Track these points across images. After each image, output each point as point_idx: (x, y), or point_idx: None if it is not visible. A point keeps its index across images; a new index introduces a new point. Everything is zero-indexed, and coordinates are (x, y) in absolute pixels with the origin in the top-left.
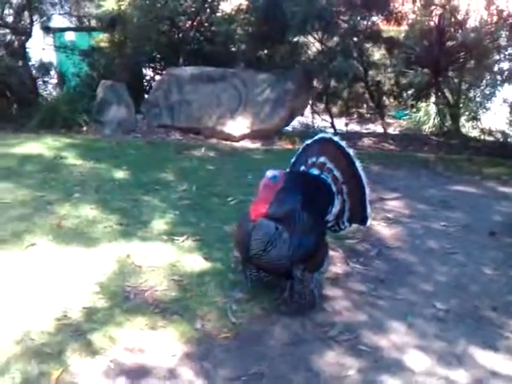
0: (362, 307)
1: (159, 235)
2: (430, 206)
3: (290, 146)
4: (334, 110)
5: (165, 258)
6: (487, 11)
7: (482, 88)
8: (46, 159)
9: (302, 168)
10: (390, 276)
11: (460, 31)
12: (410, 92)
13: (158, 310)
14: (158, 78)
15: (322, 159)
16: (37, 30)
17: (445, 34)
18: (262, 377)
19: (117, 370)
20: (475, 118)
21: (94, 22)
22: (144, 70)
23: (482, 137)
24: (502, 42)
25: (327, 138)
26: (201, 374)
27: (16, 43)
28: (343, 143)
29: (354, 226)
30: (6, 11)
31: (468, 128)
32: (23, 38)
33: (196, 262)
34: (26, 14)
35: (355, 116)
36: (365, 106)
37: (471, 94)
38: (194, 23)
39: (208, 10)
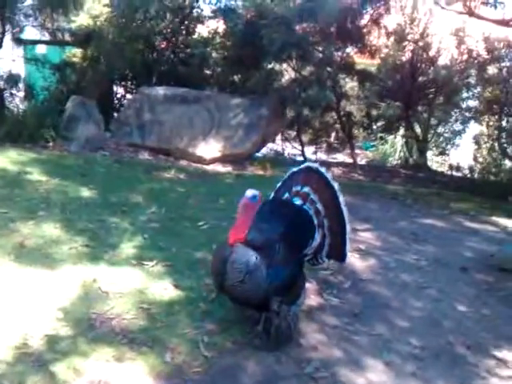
0: (338, 342)
1: (127, 259)
2: (402, 239)
3: (261, 172)
4: (304, 138)
5: (133, 283)
6: (458, 50)
7: (451, 124)
8: (9, 174)
9: (286, 195)
10: (365, 310)
11: (432, 68)
12: (379, 124)
13: (125, 341)
14: (129, 96)
15: (305, 189)
16: (7, 40)
17: (417, 70)
18: None
19: None
20: (444, 153)
21: (67, 37)
22: (115, 88)
23: (450, 172)
24: (472, 80)
25: (313, 168)
26: None
27: None
28: (329, 175)
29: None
30: None
31: (436, 163)
32: None
33: (166, 290)
34: None
35: (323, 145)
36: (334, 135)
37: (440, 130)
38: (170, 44)
39: (184, 32)
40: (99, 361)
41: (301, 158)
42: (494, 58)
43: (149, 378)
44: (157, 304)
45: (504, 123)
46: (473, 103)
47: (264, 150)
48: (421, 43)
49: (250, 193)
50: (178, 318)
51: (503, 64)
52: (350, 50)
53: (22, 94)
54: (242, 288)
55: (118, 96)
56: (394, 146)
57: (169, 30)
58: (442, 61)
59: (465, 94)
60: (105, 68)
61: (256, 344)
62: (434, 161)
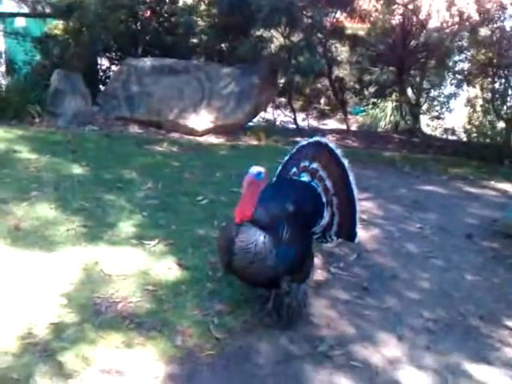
0: (349, 318)
1: (128, 239)
2: (403, 207)
3: (255, 142)
4: (295, 105)
5: (136, 264)
6: (448, 12)
7: (444, 87)
8: None
9: (294, 170)
10: (373, 283)
11: (424, 31)
12: (371, 89)
13: (133, 325)
14: (114, 68)
15: (314, 165)
16: None
17: (408, 33)
18: None
19: None
20: (439, 118)
21: (47, 9)
22: (99, 60)
23: (445, 136)
24: (464, 42)
25: (323, 143)
26: None
27: None
28: (339, 151)
29: None
30: None
31: (427, 126)
32: None
33: (170, 270)
34: None
35: (314, 111)
36: (325, 101)
37: (433, 94)
38: (154, 13)
39: (168, 0)
40: (108, 348)
41: (293, 126)
42: (486, 20)
43: (161, 363)
44: (162, 285)
45: (497, 85)
46: (466, 66)
47: (255, 119)
48: (411, 6)
49: (254, 169)
50: (185, 298)
51: (495, 25)
52: (339, 14)
53: (2, 69)
54: (251, 268)
55: (103, 68)
56: (385, 111)
57: None
58: (433, 24)
59: (457, 57)
60: (88, 40)
61: (267, 323)
62: (426, 125)
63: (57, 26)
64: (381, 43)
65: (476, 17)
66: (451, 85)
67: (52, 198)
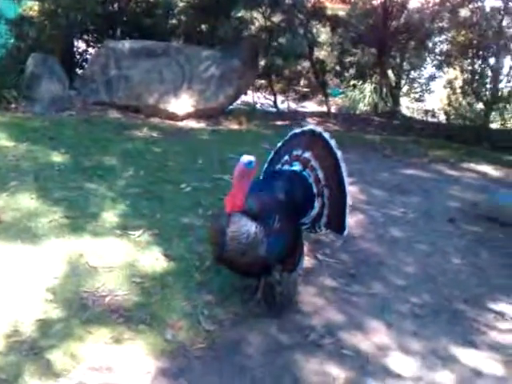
0: (338, 305)
1: (112, 229)
2: (386, 192)
3: (236, 127)
4: (274, 87)
5: (121, 256)
6: None
7: (424, 69)
8: None
9: (286, 157)
10: (360, 269)
11: (405, 12)
12: (352, 71)
13: (121, 320)
14: (91, 51)
15: (306, 154)
16: None
17: (389, 14)
18: None
19: None
20: (419, 100)
21: None
22: (76, 43)
23: (425, 118)
24: (444, 23)
25: (317, 133)
26: None
27: None
28: (332, 142)
29: None
30: None
31: (407, 108)
32: None
33: (156, 261)
34: None
35: (294, 94)
36: (304, 83)
37: (414, 75)
38: None
39: None
40: (97, 344)
41: (273, 109)
42: (466, 0)
43: (151, 358)
44: (149, 277)
45: (476, 67)
46: (446, 47)
47: (235, 102)
48: None
49: (245, 159)
50: (174, 290)
51: (475, 5)
52: None
53: None
54: (243, 259)
55: (80, 51)
56: (363, 93)
57: None
58: (414, 4)
59: (437, 38)
60: (64, 22)
61: (257, 313)
62: (406, 107)
63: (32, 7)
64: (361, 24)
65: None
66: (432, 66)
67: (32, 188)
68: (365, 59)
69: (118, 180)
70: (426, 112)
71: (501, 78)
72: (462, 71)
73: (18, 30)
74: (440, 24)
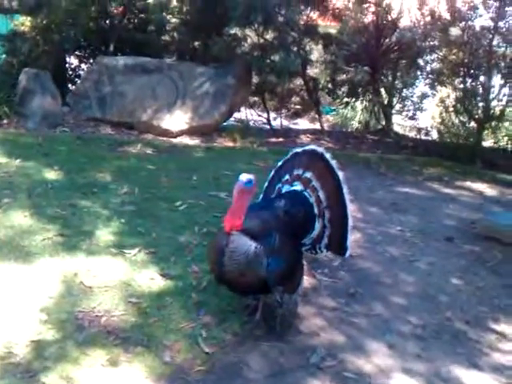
0: (339, 326)
1: (107, 248)
2: (382, 210)
3: (231, 144)
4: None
5: (117, 275)
6: (420, 11)
7: (416, 87)
8: None
9: (287, 177)
10: (359, 289)
11: (397, 30)
12: (344, 89)
13: (118, 341)
14: (84, 66)
15: (307, 174)
16: None
17: (381, 33)
18: None
19: None
20: (412, 118)
21: (15, 4)
22: (68, 58)
23: (418, 136)
24: (436, 42)
25: (318, 153)
26: None
27: None
28: (334, 162)
29: None
30: None
31: (398, 125)
32: None
33: (153, 280)
34: None
35: (286, 111)
36: (297, 101)
37: (406, 93)
38: (125, 9)
39: None
40: (93, 367)
41: (266, 126)
42: (457, 19)
43: (149, 381)
44: (146, 297)
45: (468, 85)
46: (437, 66)
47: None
48: (383, 5)
49: (244, 177)
50: (171, 311)
51: (466, 24)
52: (312, 13)
53: None
54: (243, 279)
55: (73, 67)
56: (355, 110)
57: None
58: (405, 23)
59: (429, 57)
60: (57, 37)
61: (257, 335)
62: (399, 125)
63: (24, 23)
64: (354, 42)
65: (447, 16)
66: (424, 85)
67: (25, 205)
68: (357, 77)
69: (113, 197)
70: (419, 130)
71: (492, 96)
72: (454, 89)
73: (10, 45)
74: (431, 43)
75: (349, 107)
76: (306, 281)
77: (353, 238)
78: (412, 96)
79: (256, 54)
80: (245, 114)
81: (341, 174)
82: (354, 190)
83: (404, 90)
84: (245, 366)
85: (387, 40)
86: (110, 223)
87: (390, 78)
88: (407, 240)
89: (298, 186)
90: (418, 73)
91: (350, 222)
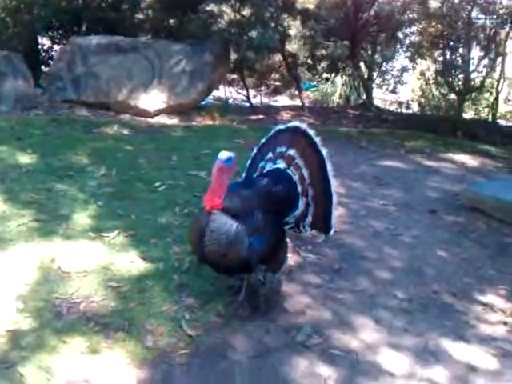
0: (324, 303)
1: (85, 232)
2: (365, 184)
3: (210, 122)
4: (246, 82)
5: (96, 259)
6: None
7: (396, 61)
8: None
9: (270, 155)
10: (344, 264)
11: (376, 3)
12: (324, 64)
13: (98, 327)
14: (57, 47)
15: (291, 152)
16: None
17: (360, 6)
18: None
19: None
20: (393, 91)
21: None
22: (40, 39)
23: (399, 109)
24: (415, 15)
25: (302, 130)
26: None
27: None
28: (318, 139)
29: None
30: None
31: (380, 100)
32: None
33: (133, 263)
34: None
35: (266, 88)
36: (277, 77)
37: (386, 67)
38: None
39: None
40: (73, 354)
41: (246, 104)
42: None
43: (131, 367)
44: (126, 280)
45: (448, 57)
46: (417, 39)
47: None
48: None
49: (224, 155)
50: (152, 294)
51: None
52: None
53: None
54: (225, 259)
55: (45, 48)
56: (335, 85)
57: None
58: None
59: (408, 30)
60: (28, 18)
61: (241, 315)
62: (380, 99)
63: None
64: (332, 17)
65: None
66: (404, 58)
67: None
68: (337, 52)
69: (90, 180)
70: (400, 103)
71: (472, 68)
72: (434, 62)
73: None
74: (410, 15)
75: (329, 82)
76: (290, 258)
77: (336, 213)
78: (392, 69)
79: (233, 30)
80: (224, 91)
81: (324, 151)
82: (336, 165)
83: (384, 63)
84: (229, 348)
85: (366, 14)
86: (87, 206)
87: (369, 52)
88: (391, 214)
89: (281, 164)
90: (398, 46)
91: (335, 200)
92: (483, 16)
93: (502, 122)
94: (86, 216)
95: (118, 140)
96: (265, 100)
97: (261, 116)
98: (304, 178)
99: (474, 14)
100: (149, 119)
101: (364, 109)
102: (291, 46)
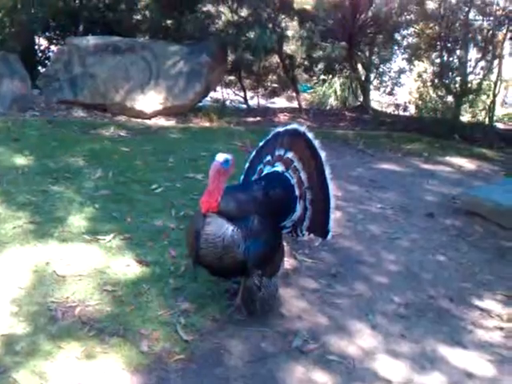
0: (321, 308)
1: (80, 234)
2: (362, 187)
3: (207, 124)
4: (243, 83)
5: (91, 263)
6: None
7: (394, 62)
8: None
9: (268, 158)
10: (341, 269)
11: (374, 5)
12: (321, 66)
13: (93, 332)
14: (54, 48)
15: (289, 155)
16: None
17: (358, 7)
18: None
19: None
20: (391, 94)
21: None
22: (37, 40)
23: (396, 112)
24: (413, 16)
25: (300, 132)
26: None
27: None
28: (316, 142)
29: None
30: None
31: (377, 102)
32: None
33: (129, 267)
34: None
35: (264, 90)
36: (274, 79)
37: (383, 69)
38: None
39: None
40: (67, 360)
41: (243, 105)
42: None
43: (127, 373)
44: (121, 284)
45: (445, 59)
46: (414, 40)
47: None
48: None
49: (221, 157)
50: (148, 298)
51: None
52: None
53: None
54: (220, 263)
55: (42, 48)
56: (333, 87)
57: None
58: None
59: (406, 31)
60: (25, 18)
61: (237, 320)
62: (377, 101)
63: None
64: (330, 18)
65: None
66: (401, 60)
67: None
68: (334, 53)
69: (86, 182)
70: (397, 106)
71: (469, 70)
72: (431, 64)
73: None
74: (408, 17)
75: (326, 84)
76: (287, 262)
77: (333, 216)
78: (389, 71)
79: (231, 31)
80: (221, 93)
81: (323, 155)
82: (333, 168)
83: (381, 65)
84: (225, 353)
85: (363, 15)
86: (83, 209)
87: (366, 54)
88: (388, 217)
89: (279, 167)
90: (395, 48)
91: (333, 204)
92: (481, 17)
93: (499, 125)
94: (82, 218)
95: (115, 142)
96: (262, 102)
97: (258, 118)
98: (302, 181)
99: (471, 15)
100: (146, 120)
101: (361, 111)
102: (289, 47)
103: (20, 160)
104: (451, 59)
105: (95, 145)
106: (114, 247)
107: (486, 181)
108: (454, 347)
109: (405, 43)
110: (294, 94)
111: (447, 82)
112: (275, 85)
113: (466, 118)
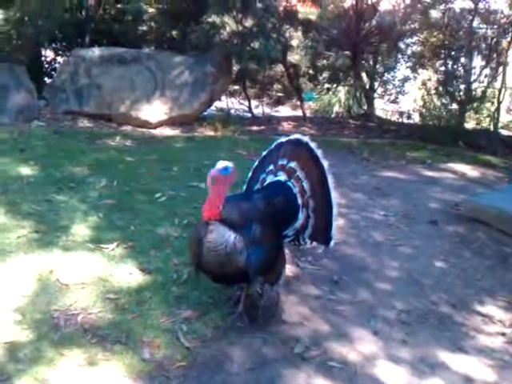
0: (323, 315)
1: (84, 243)
2: (366, 195)
3: (212, 133)
4: (248, 92)
5: (94, 271)
6: None
7: (398, 71)
8: None
9: (271, 167)
10: (343, 275)
11: (377, 14)
12: (325, 75)
13: (95, 339)
14: (60, 59)
15: (292, 164)
16: None
17: (362, 16)
18: None
19: None
20: (394, 102)
21: None
22: (43, 51)
23: (400, 120)
24: (417, 25)
25: (303, 142)
26: None
27: None
28: (319, 152)
29: None
30: None
31: (382, 110)
32: None
33: (131, 275)
34: None
35: (268, 99)
36: (279, 88)
37: (387, 77)
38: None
39: None
40: (70, 367)
41: (248, 114)
42: (437, 1)
43: (128, 380)
44: (124, 292)
45: (449, 67)
46: (418, 48)
47: (209, 109)
48: None
49: (221, 164)
50: (150, 306)
51: (446, 6)
52: None
53: None
54: (222, 270)
55: (48, 60)
56: (337, 96)
57: None
58: (384, 6)
59: (410, 40)
60: (31, 30)
61: (239, 327)
62: (381, 109)
63: None
64: (334, 27)
65: None
66: (405, 68)
67: (0, 202)
68: (338, 62)
69: (91, 191)
70: (401, 114)
71: (473, 77)
72: (435, 72)
73: None
74: (412, 25)
75: (330, 93)
76: (289, 269)
77: (336, 223)
78: (393, 79)
79: (235, 41)
80: (226, 102)
81: (325, 164)
82: (337, 176)
83: (385, 73)
84: (227, 360)
85: (367, 24)
86: (87, 218)
87: (371, 62)
88: (391, 224)
89: (281, 177)
90: (399, 56)
91: (335, 212)
92: (484, 26)
93: (504, 132)
94: (86, 227)
95: (120, 151)
96: (267, 110)
97: (262, 127)
98: (305, 190)
99: (475, 23)
100: (151, 130)
101: (365, 119)
102: (293, 57)
103: (25, 170)
104: (455, 67)
105: (100, 154)
106: (117, 255)
107: (490, 188)
108: (455, 353)
109: (409, 52)
110: (299, 103)
111: (452, 89)
112: (280, 94)
113: (470, 124)
